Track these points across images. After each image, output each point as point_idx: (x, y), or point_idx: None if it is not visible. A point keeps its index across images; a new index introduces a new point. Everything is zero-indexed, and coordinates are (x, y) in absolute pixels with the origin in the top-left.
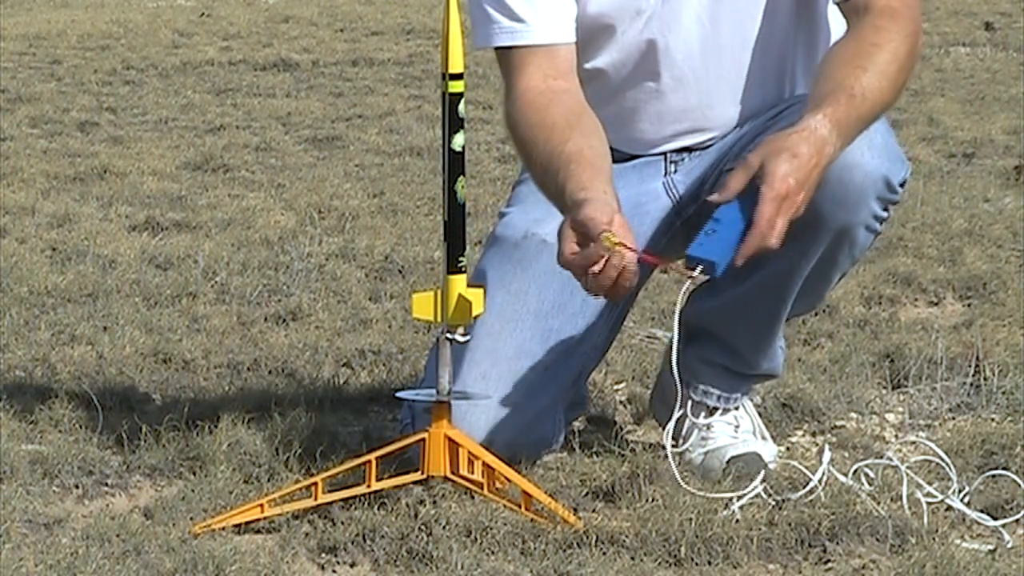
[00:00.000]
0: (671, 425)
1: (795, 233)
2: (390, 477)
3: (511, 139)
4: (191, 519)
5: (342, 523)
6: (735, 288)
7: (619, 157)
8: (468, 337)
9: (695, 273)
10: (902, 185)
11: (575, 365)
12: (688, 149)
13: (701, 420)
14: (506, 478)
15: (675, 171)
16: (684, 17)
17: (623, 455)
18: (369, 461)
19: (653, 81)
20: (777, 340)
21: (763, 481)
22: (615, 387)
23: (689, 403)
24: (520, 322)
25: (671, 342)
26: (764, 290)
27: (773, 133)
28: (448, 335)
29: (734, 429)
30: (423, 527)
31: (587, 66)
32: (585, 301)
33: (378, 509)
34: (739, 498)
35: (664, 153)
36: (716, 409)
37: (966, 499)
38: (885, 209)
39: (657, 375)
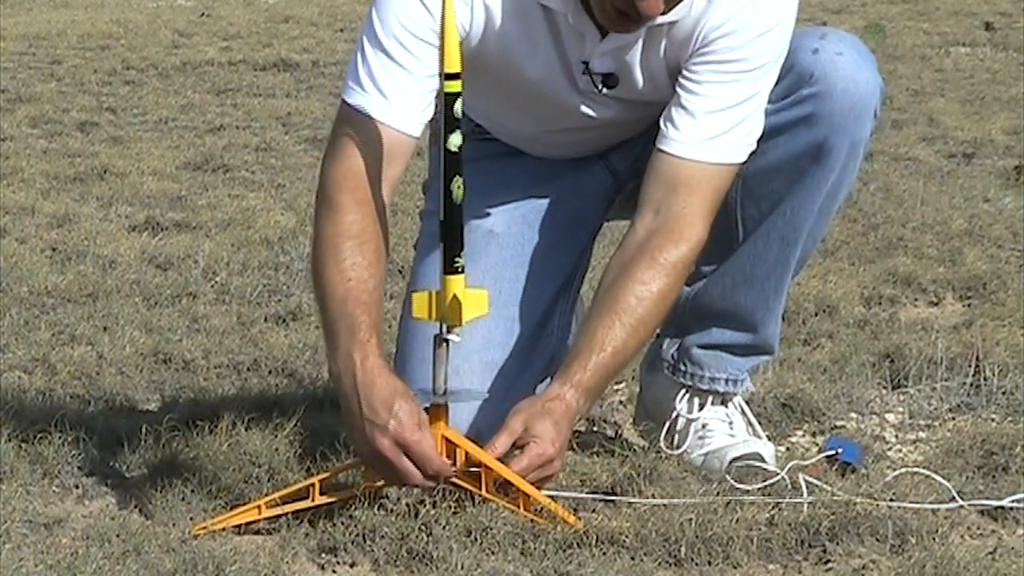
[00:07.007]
0: (665, 428)
1: (812, 155)
2: None
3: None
4: (191, 519)
5: (342, 523)
6: (742, 245)
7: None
8: (460, 339)
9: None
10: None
11: (545, 349)
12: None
13: (695, 414)
14: (506, 478)
15: (610, 153)
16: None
17: (623, 455)
18: None
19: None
20: (783, 296)
21: (763, 481)
22: (615, 387)
23: (687, 397)
24: None
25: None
26: (775, 230)
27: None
28: (446, 335)
29: (728, 427)
30: (423, 527)
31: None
32: (539, 287)
33: (378, 509)
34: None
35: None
36: (723, 395)
37: (966, 499)
38: (870, 133)
39: (638, 396)
